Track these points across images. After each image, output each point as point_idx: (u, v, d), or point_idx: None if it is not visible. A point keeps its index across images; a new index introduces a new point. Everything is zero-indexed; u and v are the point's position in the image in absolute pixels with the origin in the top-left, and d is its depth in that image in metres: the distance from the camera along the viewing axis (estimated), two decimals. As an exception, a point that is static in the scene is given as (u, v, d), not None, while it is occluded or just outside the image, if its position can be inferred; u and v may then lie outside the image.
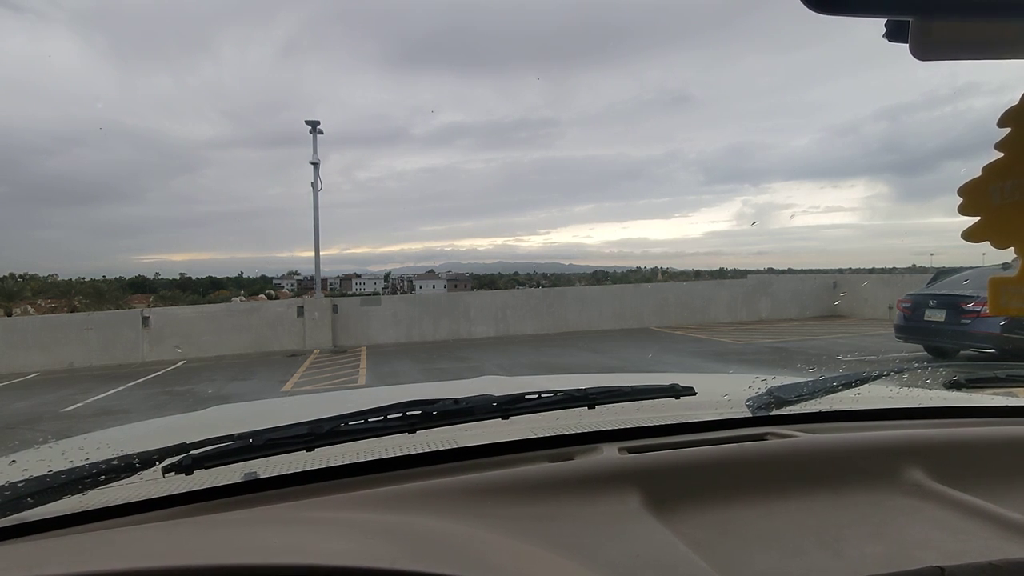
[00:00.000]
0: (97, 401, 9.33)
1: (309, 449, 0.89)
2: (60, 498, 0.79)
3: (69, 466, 0.83)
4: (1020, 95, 0.55)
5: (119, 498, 0.83)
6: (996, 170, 0.56)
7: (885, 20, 0.54)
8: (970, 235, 0.57)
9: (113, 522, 0.78)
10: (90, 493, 0.82)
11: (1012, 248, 0.56)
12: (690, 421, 1.06)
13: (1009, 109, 0.55)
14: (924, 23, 0.52)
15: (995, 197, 0.56)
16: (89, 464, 0.83)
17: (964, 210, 0.57)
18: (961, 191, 0.57)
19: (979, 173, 0.57)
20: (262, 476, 0.89)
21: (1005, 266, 0.58)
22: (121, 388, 10.32)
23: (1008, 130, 0.55)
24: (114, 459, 0.83)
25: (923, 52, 0.53)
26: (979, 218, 0.57)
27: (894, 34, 0.54)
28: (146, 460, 0.84)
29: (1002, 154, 0.56)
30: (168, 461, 0.84)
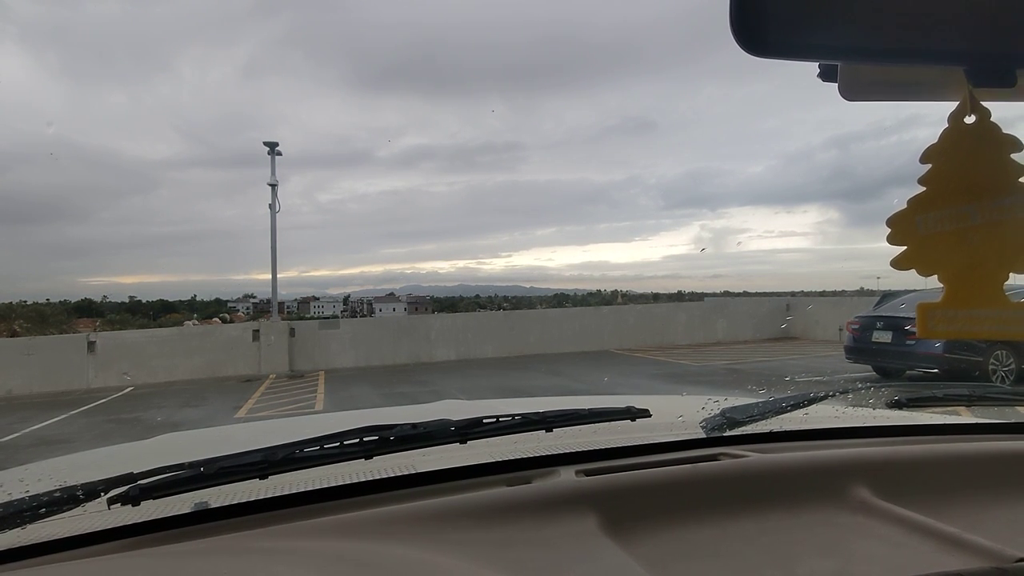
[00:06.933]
0: (37, 430, 8.88)
1: (263, 477, 0.88)
2: None
3: (8, 498, 0.80)
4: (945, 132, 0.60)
5: (61, 532, 0.80)
6: (920, 203, 0.60)
7: (818, 63, 0.58)
8: (898, 263, 0.61)
9: (54, 556, 0.75)
10: (29, 527, 0.78)
11: (936, 275, 0.60)
12: (646, 443, 1.08)
13: (930, 146, 0.59)
14: (851, 67, 0.57)
15: (920, 228, 0.60)
16: (29, 496, 0.79)
17: (892, 240, 0.61)
18: (889, 222, 0.61)
19: (905, 206, 0.61)
20: (213, 506, 0.87)
21: None
22: (64, 416, 9.84)
23: (930, 166, 0.60)
24: (56, 490, 0.80)
25: (850, 93, 0.58)
26: (906, 247, 0.61)
27: (826, 75, 0.58)
28: (90, 491, 0.81)
29: (925, 188, 0.60)
30: (114, 492, 0.81)
